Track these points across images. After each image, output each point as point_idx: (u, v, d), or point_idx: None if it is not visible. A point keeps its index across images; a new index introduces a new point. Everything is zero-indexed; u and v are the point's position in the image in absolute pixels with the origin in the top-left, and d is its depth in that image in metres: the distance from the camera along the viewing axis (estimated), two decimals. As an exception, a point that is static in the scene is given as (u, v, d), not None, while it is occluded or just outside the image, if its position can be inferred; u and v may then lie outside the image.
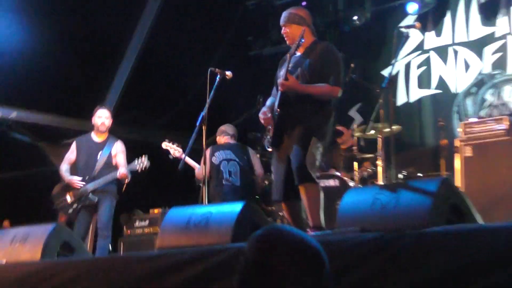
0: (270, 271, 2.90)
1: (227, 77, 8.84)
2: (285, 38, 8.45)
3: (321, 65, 7.96)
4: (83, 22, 14.83)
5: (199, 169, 11.39)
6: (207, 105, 8.58)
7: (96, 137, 10.94)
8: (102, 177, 10.59)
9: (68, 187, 10.69)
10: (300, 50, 8.13)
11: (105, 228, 10.62)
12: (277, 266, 2.90)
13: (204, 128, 8.60)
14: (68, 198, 10.69)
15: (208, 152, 11.26)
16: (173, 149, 11.56)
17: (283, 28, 8.38)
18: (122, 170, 10.66)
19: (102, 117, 10.90)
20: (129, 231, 11.72)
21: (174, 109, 14.93)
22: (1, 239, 8.06)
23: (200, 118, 8.56)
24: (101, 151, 10.81)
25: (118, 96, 14.67)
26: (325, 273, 3.02)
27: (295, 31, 8.18)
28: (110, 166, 10.81)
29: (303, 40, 7.93)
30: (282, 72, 8.11)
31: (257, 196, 11.62)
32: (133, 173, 10.88)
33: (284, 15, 8.43)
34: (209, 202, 10.28)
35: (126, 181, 10.86)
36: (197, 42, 15.13)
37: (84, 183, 10.55)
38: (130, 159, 11.03)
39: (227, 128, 11.85)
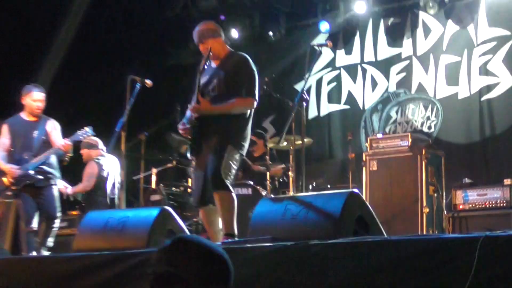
0: (177, 281, 2.93)
1: (146, 85, 8.75)
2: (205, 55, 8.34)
3: (236, 76, 7.89)
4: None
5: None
6: (126, 112, 8.47)
7: (28, 117, 10.10)
8: (42, 154, 10.05)
9: (3, 173, 10.17)
10: (216, 62, 8.07)
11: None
12: (183, 276, 2.94)
13: (123, 134, 8.50)
14: (5, 180, 10.10)
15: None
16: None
17: (200, 46, 8.24)
18: (65, 140, 10.06)
19: (41, 100, 9.94)
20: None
21: (94, 114, 14.74)
22: None
23: (119, 124, 8.45)
24: (36, 130, 10.21)
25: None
26: (230, 282, 3.05)
27: (215, 45, 8.10)
28: (47, 144, 10.24)
29: (211, 54, 7.87)
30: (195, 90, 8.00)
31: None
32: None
33: (197, 34, 8.27)
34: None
35: (69, 154, 10.36)
36: (118, 49, 14.98)
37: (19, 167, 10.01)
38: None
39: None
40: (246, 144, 7.78)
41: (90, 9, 14.79)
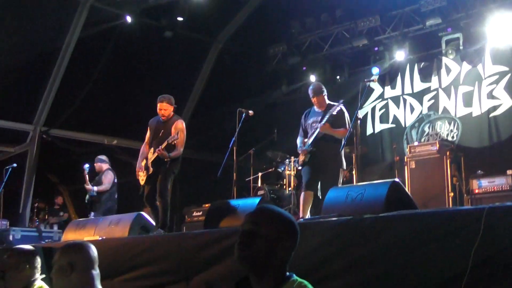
0: (258, 237, 2.88)
1: (250, 114, 8.72)
2: (314, 104, 8.69)
3: (338, 119, 8.40)
4: (160, 75, 14.82)
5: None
6: (236, 134, 8.48)
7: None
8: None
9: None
10: (321, 108, 8.56)
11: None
12: (262, 233, 2.88)
13: (234, 149, 8.51)
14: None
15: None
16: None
17: (314, 98, 8.61)
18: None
19: (160, 108, 8.81)
20: (188, 219, 11.55)
21: (218, 139, 14.92)
22: (103, 222, 8.01)
23: (231, 143, 8.47)
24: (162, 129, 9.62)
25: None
26: (297, 239, 2.98)
27: (321, 98, 8.55)
28: None
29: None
30: (311, 121, 8.49)
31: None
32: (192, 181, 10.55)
33: (312, 91, 8.66)
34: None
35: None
36: (234, 94, 15.11)
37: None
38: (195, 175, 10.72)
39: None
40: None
41: (215, 67, 15.02)
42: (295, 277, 2.95)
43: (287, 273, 2.94)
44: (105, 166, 11.39)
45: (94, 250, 3.92)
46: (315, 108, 8.48)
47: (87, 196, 11.10)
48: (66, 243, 4.08)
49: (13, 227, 11.12)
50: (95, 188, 10.95)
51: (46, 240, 10.70)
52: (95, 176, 11.36)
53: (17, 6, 12.90)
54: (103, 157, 11.48)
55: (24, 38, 13.25)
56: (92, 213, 10.97)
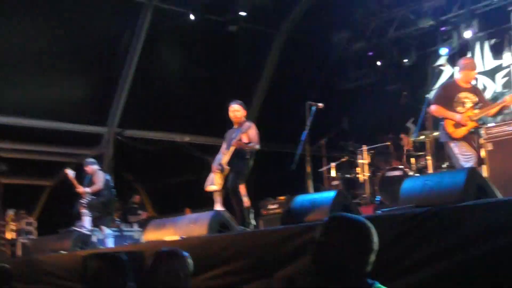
0: (330, 249, 2.85)
1: (319, 107, 8.70)
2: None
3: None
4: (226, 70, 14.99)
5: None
6: (307, 126, 8.48)
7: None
8: None
9: None
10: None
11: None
12: (335, 244, 2.85)
13: (307, 142, 8.52)
14: None
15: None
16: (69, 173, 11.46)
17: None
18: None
19: (233, 110, 8.88)
20: (265, 212, 11.67)
21: (287, 129, 14.93)
22: (182, 221, 8.15)
23: (303, 136, 8.49)
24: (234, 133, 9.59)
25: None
26: (371, 251, 2.90)
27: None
28: None
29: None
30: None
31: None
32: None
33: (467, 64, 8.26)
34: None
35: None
36: (300, 84, 15.11)
37: None
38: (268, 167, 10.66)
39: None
40: None
41: (281, 58, 15.03)
42: (377, 285, 2.90)
43: (369, 281, 2.89)
44: (95, 167, 11.60)
45: None
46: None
47: (77, 204, 11.34)
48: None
49: (95, 228, 11.46)
50: (88, 189, 11.20)
51: (128, 241, 11.00)
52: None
53: (84, 9, 13.25)
54: (92, 159, 11.72)
55: (93, 40, 13.63)
56: (87, 218, 11.13)
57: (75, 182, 11.32)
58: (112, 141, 14.38)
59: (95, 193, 11.27)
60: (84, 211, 10.99)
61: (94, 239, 10.89)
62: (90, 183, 11.43)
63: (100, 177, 11.44)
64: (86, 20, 13.37)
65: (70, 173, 11.40)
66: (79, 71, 13.81)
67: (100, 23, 13.58)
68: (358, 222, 2.93)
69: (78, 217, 11.36)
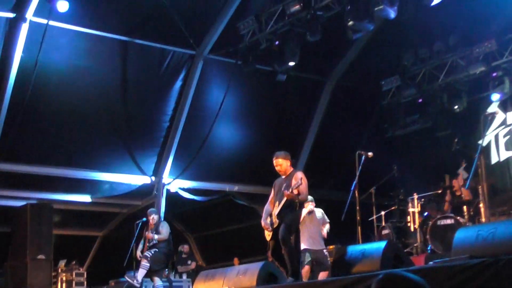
0: None
1: (369, 156, 8.66)
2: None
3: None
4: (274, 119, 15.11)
5: None
6: (357, 175, 8.43)
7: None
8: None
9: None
10: None
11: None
12: None
13: (356, 191, 8.47)
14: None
15: None
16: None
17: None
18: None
19: (276, 164, 8.76)
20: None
21: (336, 177, 14.90)
22: (231, 272, 8.14)
23: (353, 185, 8.45)
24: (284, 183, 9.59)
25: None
26: None
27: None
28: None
29: None
30: None
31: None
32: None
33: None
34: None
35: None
36: (350, 131, 15.09)
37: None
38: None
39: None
40: None
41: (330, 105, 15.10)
42: None
43: None
44: (158, 217, 11.68)
45: None
46: None
47: (141, 247, 11.35)
48: None
49: (145, 278, 11.50)
50: (156, 236, 11.20)
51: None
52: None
53: (134, 62, 13.61)
54: (154, 209, 11.79)
55: (142, 93, 13.93)
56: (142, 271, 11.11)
57: (152, 226, 11.47)
58: (162, 191, 14.53)
59: (157, 245, 11.33)
60: (144, 263, 11.00)
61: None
62: (157, 231, 11.51)
63: (166, 228, 11.51)
64: (138, 72, 13.71)
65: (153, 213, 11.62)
66: (131, 122, 14.10)
67: (151, 74, 13.89)
68: (416, 283, 2.84)
69: (129, 267, 11.42)
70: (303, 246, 10.37)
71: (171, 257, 11.50)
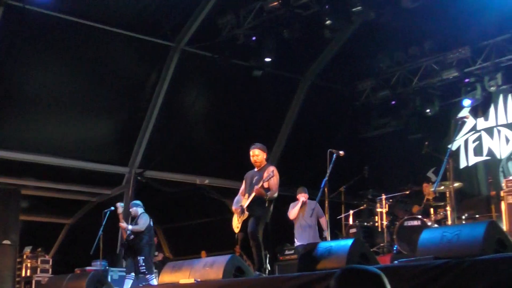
0: None
1: (340, 155, 8.71)
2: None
3: None
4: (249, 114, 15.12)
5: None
6: (328, 173, 8.49)
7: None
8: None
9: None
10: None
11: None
12: None
13: (326, 189, 8.53)
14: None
15: None
16: (119, 207, 11.35)
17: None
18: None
19: (252, 155, 8.81)
20: (281, 257, 11.60)
21: (308, 175, 14.96)
22: (198, 264, 8.13)
23: (323, 183, 8.50)
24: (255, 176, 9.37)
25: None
26: None
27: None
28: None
29: None
30: None
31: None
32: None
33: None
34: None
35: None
36: (323, 130, 15.17)
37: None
38: (286, 213, 10.74)
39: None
40: None
41: (304, 104, 15.17)
42: None
43: None
44: (140, 210, 11.56)
45: None
46: None
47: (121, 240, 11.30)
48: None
49: (111, 268, 11.45)
50: (130, 227, 11.12)
51: (143, 283, 10.95)
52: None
53: (113, 52, 13.51)
54: (138, 202, 11.69)
55: (119, 82, 13.84)
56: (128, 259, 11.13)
57: (121, 216, 11.32)
58: (132, 181, 14.47)
59: (136, 235, 11.28)
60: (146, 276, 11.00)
61: (109, 279, 10.87)
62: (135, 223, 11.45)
63: (144, 220, 11.38)
64: (112, 62, 13.60)
65: (120, 207, 11.38)
66: (103, 112, 14.00)
67: (126, 65, 13.80)
68: (372, 274, 2.86)
69: (96, 256, 11.35)
70: (296, 242, 10.46)
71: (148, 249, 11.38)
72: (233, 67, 13.92)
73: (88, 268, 12.17)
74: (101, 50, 13.33)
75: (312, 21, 12.41)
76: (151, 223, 11.38)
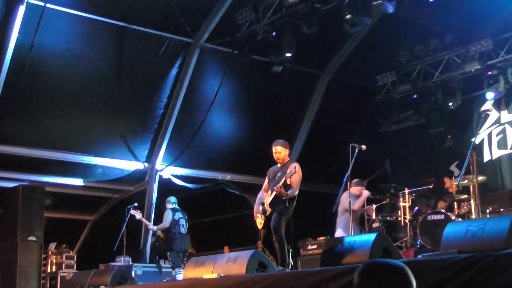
0: None
1: (362, 149, 8.69)
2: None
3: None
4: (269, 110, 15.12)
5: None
6: (350, 168, 8.47)
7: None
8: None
9: None
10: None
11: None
12: None
13: (348, 183, 8.51)
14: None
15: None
16: (136, 214, 11.71)
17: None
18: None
19: (275, 151, 8.88)
20: (303, 252, 11.58)
21: (329, 170, 14.94)
22: (221, 260, 8.16)
23: (345, 178, 8.49)
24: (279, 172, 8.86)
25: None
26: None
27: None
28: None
29: None
30: None
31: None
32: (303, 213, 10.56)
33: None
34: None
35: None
36: (344, 125, 15.14)
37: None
38: (308, 207, 10.75)
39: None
40: None
41: (325, 99, 15.13)
42: None
43: None
44: (169, 205, 11.97)
45: None
46: None
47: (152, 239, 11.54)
48: None
49: (135, 263, 11.53)
50: (155, 227, 11.37)
51: (167, 278, 11.02)
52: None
53: (132, 49, 13.57)
54: (170, 198, 12.01)
55: (138, 79, 13.90)
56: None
57: (145, 221, 11.67)
58: (155, 178, 14.54)
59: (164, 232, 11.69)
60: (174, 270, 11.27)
61: (133, 274, 10.95)
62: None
63: (166, 216, 11.75)
64: (133, 60, 13.65)
65: (136, 214, 11.65)
66: (125, 109, 14.06)
67: (146, 63, 13.84)
68: (396, 268, 2.84)
69: (119, 252, 11.47)
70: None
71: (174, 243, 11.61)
72: (253, 63, 13.91)
73: (112, 263, 12.26)
74: (122, 47, 13.39)
75: (331, 16, 12.37)
76: (176, 217, 11.52)
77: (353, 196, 10.31)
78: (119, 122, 14.14)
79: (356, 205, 10.58)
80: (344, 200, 9.86)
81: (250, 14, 12.88)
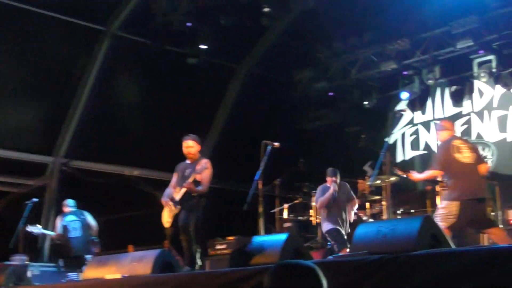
0: None
1: (275, 146, 8.70)
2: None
3: None
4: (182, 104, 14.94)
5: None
6: (262, 165, 8.45)
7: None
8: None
9: None
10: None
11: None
12: None
13: (260, 182, 8.50)
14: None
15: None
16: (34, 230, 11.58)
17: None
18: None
19: (186, 146, 8.81)
20: (212, 252, 11.54)
21: (242, 167, 14.91)
22: (125, 259, 7.98)
23: (257, 175, 8.47)
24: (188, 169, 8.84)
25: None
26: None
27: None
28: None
29: None
30: None
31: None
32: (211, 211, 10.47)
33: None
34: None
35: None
36: (259, 121, 15.15)
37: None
38: (219, 205, 10.65)
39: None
40: None
41: (240, 93, 15.09)
42: None
43: None
44: (65, 209, 11.91)
45: None
46: None
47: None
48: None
49: (31, 263, 11.15)
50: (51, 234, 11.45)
51: (66, 279, 10.73)
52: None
53: (39, 34, 13.11)
54: (69, 201, 11.85)
55: (44, 65, 13.46)
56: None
57: (45, 232, 12.09)
58: (57, 171, 14.11)
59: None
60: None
61: (29, 274, 10.57)
62: None
63: (56, 223, 11.75)
64: (39, 45, 13.20)
65: (35, 229, 11.55)
66: (27, 97, 13.57)
67: (53, 48, 13.41)
68: (306, 268, 2.88)
69: (15, 250, 11.09)
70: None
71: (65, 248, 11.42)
72: (167, 54, 13.72)
73: (6, 262, 11.81)
74: (28, 32, 12.92)
75: (250, 8, 12.36)
76: (64, 222, 11.46)
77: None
78: (20, 112, 13.63)
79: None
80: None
81: (166, 3, 12.68)
